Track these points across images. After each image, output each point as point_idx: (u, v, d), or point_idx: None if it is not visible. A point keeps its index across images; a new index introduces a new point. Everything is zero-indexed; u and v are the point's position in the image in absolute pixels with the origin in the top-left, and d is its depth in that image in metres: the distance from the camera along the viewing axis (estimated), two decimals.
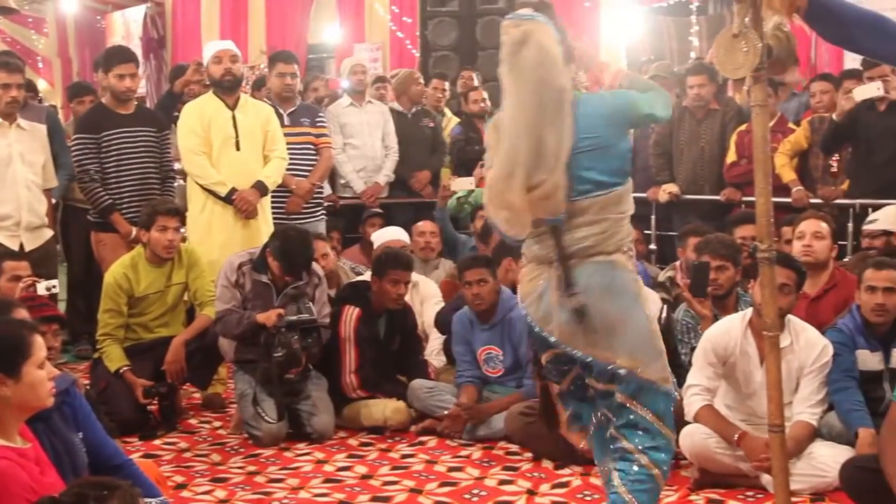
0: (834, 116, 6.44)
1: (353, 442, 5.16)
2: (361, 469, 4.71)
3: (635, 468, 3.21)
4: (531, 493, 4.37)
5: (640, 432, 3.21)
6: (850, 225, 6.23)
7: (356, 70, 8.09)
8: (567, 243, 3.23)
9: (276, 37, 10.70)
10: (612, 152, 3.25)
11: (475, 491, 4.37)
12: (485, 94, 8.35)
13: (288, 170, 6.38)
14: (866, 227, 5.73)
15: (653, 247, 7.47)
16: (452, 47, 10.18)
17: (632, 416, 3.22)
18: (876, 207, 6.02)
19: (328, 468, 4.73)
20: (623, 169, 3.32)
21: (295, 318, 5.16)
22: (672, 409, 3.29)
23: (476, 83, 8.87)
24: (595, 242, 3.23)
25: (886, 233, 5.66)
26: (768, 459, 3.30)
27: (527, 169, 3.09)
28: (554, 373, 3.43)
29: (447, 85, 8.75)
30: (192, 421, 5.56)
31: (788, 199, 6.51)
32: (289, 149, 6.36)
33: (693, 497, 4.27)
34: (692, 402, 4.50)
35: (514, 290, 5.95)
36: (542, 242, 3.29)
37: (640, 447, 3.21)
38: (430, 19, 10.31)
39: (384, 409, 5.33)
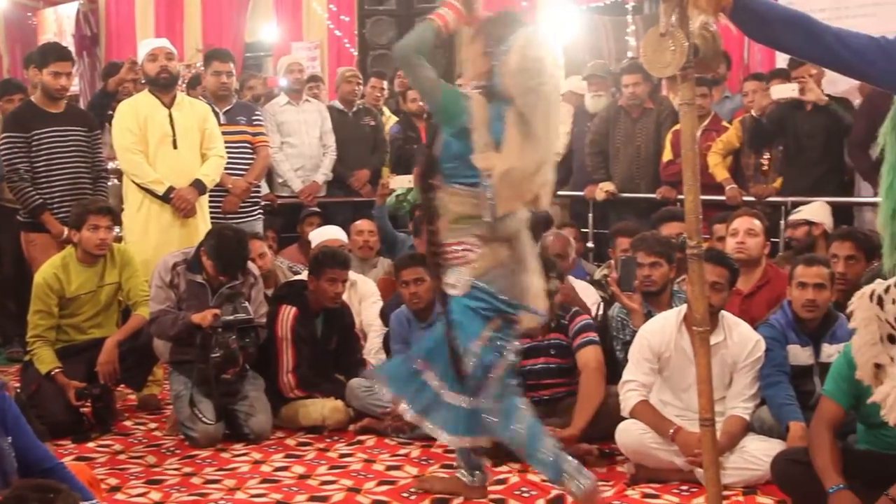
0: (754, 113, 6.56)
1: (290, 442, 5.13)
2: (299, 469, 4.68)
3: None
4: None
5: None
6: (783, 222, 6.34)
7: (293, 68, 8.06)
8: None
9: (213, 35, 10.59)
10: None
11: (413, 490, 4.37)
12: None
13: (224, 169, 6.33)
14: (790, 218, 5.86)
15: (590, 245, 7.53)
16: (390, 46, 10.15)
17: None
18: (808, 205, 6.13)
19: (265, 468, 4.70)
20: None
21: (231, 317, 5.12)
22: None
23: None
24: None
25: (808, 223, 5.78)
26: (701, 454, 3.33)
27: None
28: (498, 344, 3.80)
29: (385, 84, 8.74)
30: (127, 423, 5.49)
31: (722, 197, 6.61)
32: (225, 147, 6.31)
33: (629, 492, 4.30)
34: (628, 398, 4.55)
35: None
36: (502, 223, 3.73)
37: None
38: (367, 18, 10.31)
39: (322, 408, 5.31)
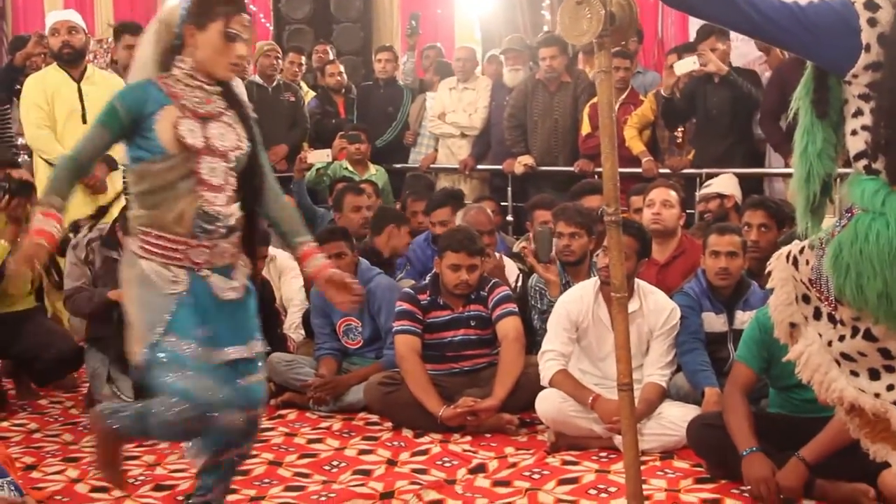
0: (663, 92, 6.66)
1: None
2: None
3: None
4: (391, 462, 4.39)
5: None
6: (697, 193, 6.44)
7: None
8: None
9: (124, 9, 10.40)
10: None
11: (335, 462, 4.36)
12: (341, 68, 8.33)
13: None
14: (701, 192, 5.96)
15: (509, 218, 7.57)
16: (307, 20, 10.10)
17: None
18: (720, 176, 6.24)
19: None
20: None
21: None
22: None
23: (331, 56, 8.84)
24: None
25: (720, 195, 5.90)
26: (620, 421, 3.38)
27: None
28: None
29: (303, 59, 8.66)
30: (43, 402, 5.38)
31: (638, 170, 6.69)
32: None
33: (549, 460, 4.35)
34: (547, 367, 4.59)
35: (398, 256, 6.02)
36: None
37: None
38: None
39: None
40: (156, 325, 3.07)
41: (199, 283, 3.16)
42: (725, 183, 6.04)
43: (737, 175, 6.35)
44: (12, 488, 3.21)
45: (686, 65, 6.40)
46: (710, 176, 6.35)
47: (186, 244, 3.14)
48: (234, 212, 3.23)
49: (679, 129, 6.83)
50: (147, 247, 3.13)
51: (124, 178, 6.08)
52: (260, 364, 3.30)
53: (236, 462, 3.38)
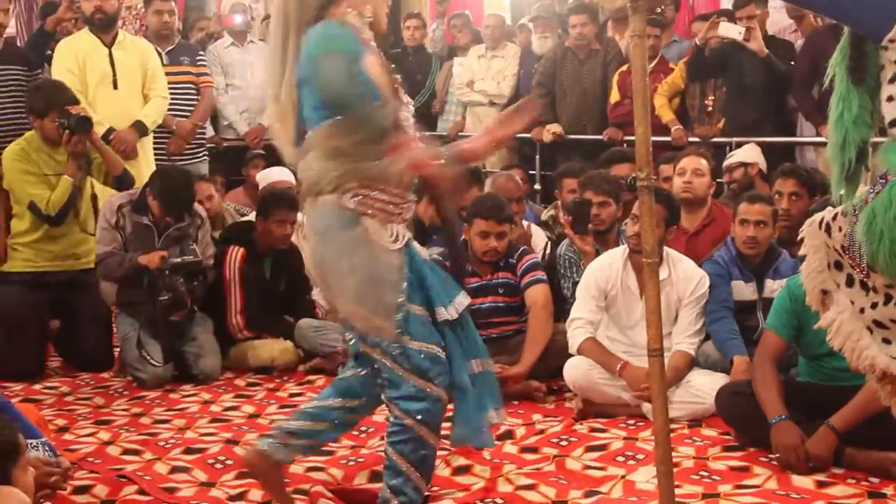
0: (697, 41, 6.55)
1: (240, 383, 5.14)
2: (249, 409, 4.69)
3: (390, 419, 3.10)
4: None
5: (387, 384, 3.06)
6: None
7: (236, 9, 7.93)
8: (301, 180, 3.10)
9: None
10: (313, 85, 2.95)
11: (364, 427, 4.35)
12: None
13: (168, 110, 6.25)
14: (725, 163, 5.91)
15: (537, 187, 7.56)
16: None
17: (377, 366, 3.09)
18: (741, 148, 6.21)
19: (215, 408, 4.70)
20: (327, 102, 2.91)
21: (179, 260, 5.08)
22: (429, 360, 3.03)
23: None
24: (316, 180, 3.00)
25: (743, 164, 5.87)
26: (648, 389, 3.38)
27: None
28: None
29: None
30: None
31: (668, 138, 6.64)
32: (169, 89, 6.22)
33: (577, 427, 4.35)
34: (576, 335, 4.60)
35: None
36: None
37: (387, 398, 3.09)
38: None
39: (271, 349, 5.32)
40: (397, 288, 2.97)
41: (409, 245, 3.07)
42: (748, 152, 6.01)
43: (768, 144, 6.31)
44: (47, 448, 3.25)
45: (731, 30, 6.32)
46: (740, 145, 6.31)
47: (404, 199, 3.03)
48: None
49: (709, 98, 6.76)
50: (369, 202, 2.95)
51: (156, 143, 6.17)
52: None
53: None
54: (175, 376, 5.12)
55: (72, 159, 5.27)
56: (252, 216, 5.78)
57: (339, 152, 2.94)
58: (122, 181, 5.48)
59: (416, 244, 3.16)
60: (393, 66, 3.15)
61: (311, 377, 5.18)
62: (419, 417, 3.04)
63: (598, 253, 5.05)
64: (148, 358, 5.00)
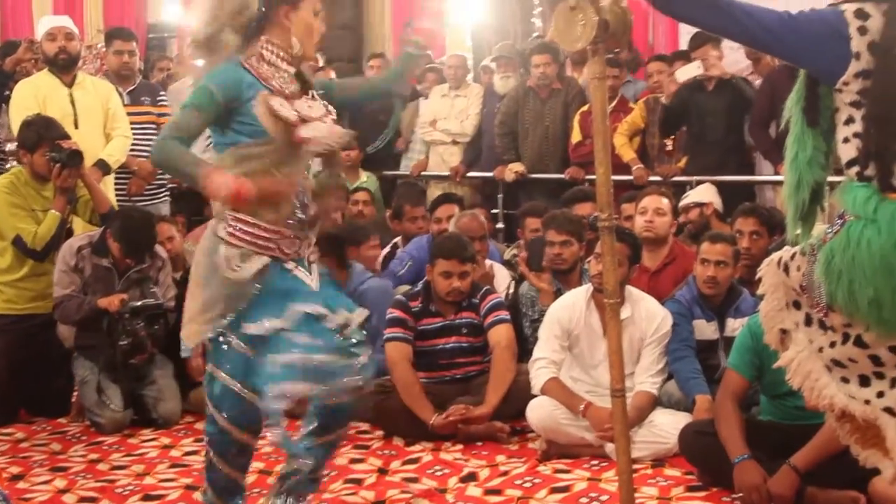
0: (663, 100, 6.65)
1: (200, 426, 5.04)
2: None
3: None
4: (382, 470, 4.38)
5: None
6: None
7: None
8: None
9: (114, 15, 10.34)
10: None
11: (325, 471, 4.32)
12: (332, 75, 8.31)
13: (129, 150, 6.20)
14: (681, 204, 5.95)
15: (500, 225, 7.56)
16: None
17: None
18: (715, 183, 6.25)
19: (175, 453, 4.64)
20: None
21: (139, 303, 5.03)
22: (223, 392, 3.20)
23: (321, 64, 8.87)
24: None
25: (698, 204, 5.91)
26: (612, 428, 3.38)
27: None
28: None
29: None
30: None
31: (629, 177, 6.68)
32: (130, 128, 6.18)
33: (541, 468, 4.34)
34: (539, 375, 4.59)
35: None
36: None
37: None
38: None
39: None
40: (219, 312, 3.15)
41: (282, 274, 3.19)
42: (703, 192, 6.05)
43: (727, 183, 6.36)
44: (0, 498, 3.19)
45: (689, 71, 6.39)
46: (700, 183, 6.36)
47: (280, 234, 3.17)
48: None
49: (670, 137, 6.83)
50: (238, 233, 3.14)
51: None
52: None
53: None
54: (134, 420, 5.05)
55: (60, 194, 5.23)
56: None
57: None
58: (107, 219, 5.42)
59: (302, 274, 3.24)
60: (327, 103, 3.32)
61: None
62: (207, 439, 3.31)
63: (559, 292, 5.06)
64: (107, 402, 4.94)
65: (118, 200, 6.04)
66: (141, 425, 5.03)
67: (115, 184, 6.14)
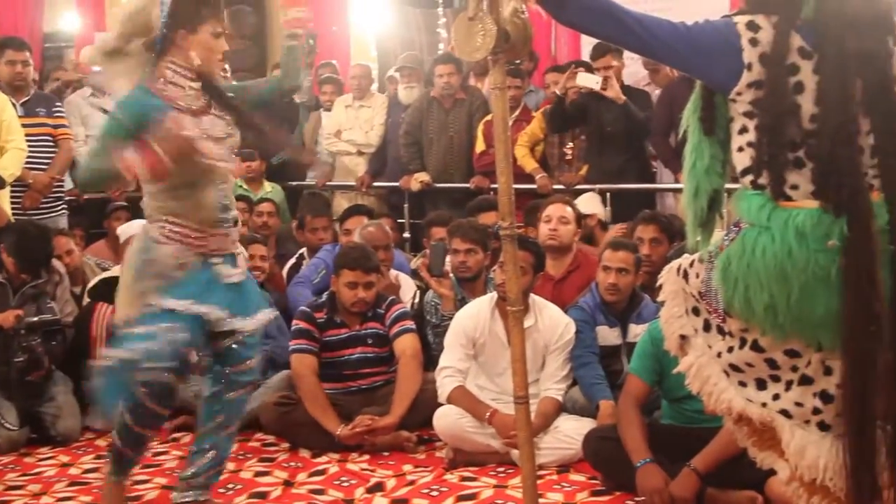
0: (557, 91, 6.68)
1: (101, 443, 4.95)
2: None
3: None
4: (288, 483, 4.34)
5: None
6: None
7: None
8: None
9: (8, 24, 10.08)
10: None
11: (230, 485, 4.29)
12: None
13: (24, 163, 6.05)
14: None
15: (406, 235, 7.56)
16: None
17: None
18: (613, 192, 6.34)
19: (74, 471, 4.53)
20: None
21: (36, 319, 4.92)
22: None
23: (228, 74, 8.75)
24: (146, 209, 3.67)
25: (583, 215, 5.98)
26: (517, 435, 3.40)
27: None
28: None
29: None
30: None
31: (532, 186, 6.73)
32: (25, 140, 6.03)
33: (447, 476, 4.35)
34: (445, 384, 4.60)
35: None
36: None
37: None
38: None
39: None
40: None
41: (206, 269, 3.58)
42: (586, 202, 6.13)
43: (628, 191, 6.46)
44: None
45: (588, 80, 6.45)
46: (604, 192, 6.45)
47: (206, 233, 3.56)
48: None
49: (568, 146, 6.88)
50: (168, 232, 3.53)
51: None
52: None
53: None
54: (31, 439, 4.91)
55: None
56: (116, 270, 5.61)
57: (150, 189, 3.56)
58: (2, 233, 5.25)
59: (224, 269, 3.64)
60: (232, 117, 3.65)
61: (176, 435, 5.03)
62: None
63: (464, 300, 5.08)
64: (2, 421, 4.80)
65: (14, 214, 5.89)
66: (39, 444, 4.90)
67: (11, 197, 5.98)
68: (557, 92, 6.63)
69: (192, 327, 3.52)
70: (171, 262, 3.51)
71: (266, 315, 3.84)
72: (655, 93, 6.89)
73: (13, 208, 5.97)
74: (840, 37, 2.40)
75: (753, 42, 2.44)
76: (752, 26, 2.45)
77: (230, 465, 4.51)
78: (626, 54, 6.81)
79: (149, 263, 3.53)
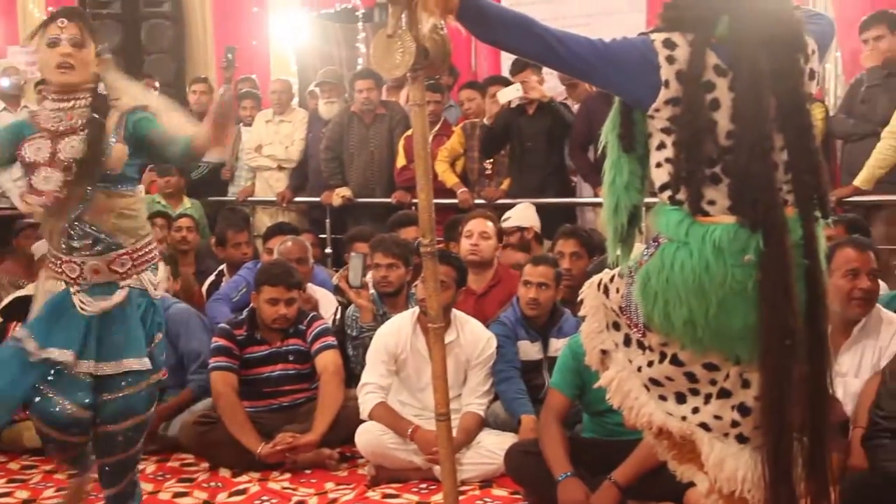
0: (486, 121, 6.75)
1: (13, 466, 4.83)
2: (23, 494, 4.41)
3: None
4: (208, 503, 4.27)
5: None
6: None
7: (8, 72, 7.63)
8: None
9: None
10: None
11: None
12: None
13: None
14: (503, 226, 6.05)
15: (328, 250, 7.52)
16: (117, 50, 9.83)
17: None
18: (537, 205, 6.37)
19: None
20: None
21: None
22: None
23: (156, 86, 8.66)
24: None
25: (520, 228, 6.03)
26: (439, 451, 3.40)
27: None
28: None
29: None
30: None
31: (454, 201, 6.75)
32: None
33: (370, 493, 4.32)
34: (367, 401, 4.58)
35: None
36: None
37: None
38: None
39: None
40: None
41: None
42: (523, 214, 6.16)
43: (549, 205, 6.50)
44: None
45: (509, 92, 6.50)
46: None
47: (59, 258, 3.44)
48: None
49: (488, 161, 6.91)
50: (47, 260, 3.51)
51: None
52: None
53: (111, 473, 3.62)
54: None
55: None
56: (30, 289, 5.47)
57: None
58: None
59: (82, 298, 3.42)
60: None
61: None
62: None
63: (385, 315, 5.07)
64: None
65: None
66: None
67: None
68: (486, 122, 6.68)
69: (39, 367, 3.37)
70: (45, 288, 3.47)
71: (137, 364, 3.47)
72: (574, 107, 6.95)
73: None
74: (754, 55, 2.45)
75: (670, 59, 2.47)
76: (668, 44, 2.48)
77: (148, 487, 4.44)
78: (545, 69, 6.87)
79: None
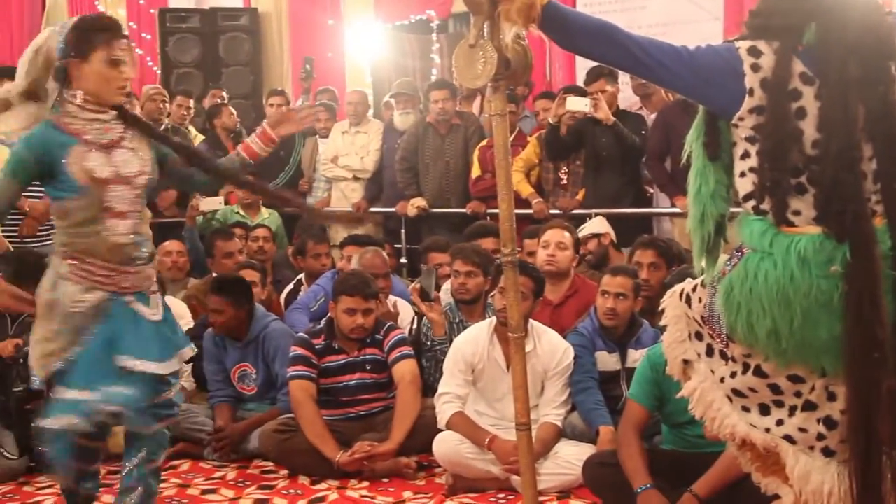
0: (550, 120, 6.68)
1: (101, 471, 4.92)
2: (108, 498, 4.49)
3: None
4: None
5: None
6: None
7: None
8: None
9: (2, 47, 10.16)
10: None
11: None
12: (232, 111, 8.25)
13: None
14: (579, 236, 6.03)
15: (403, 260, 7.57)
16: (195, 64, 10.05)
17: None
18: (610, 216, 6.34)
19: None
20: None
21: None
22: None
23: (226, 99, 8.80)
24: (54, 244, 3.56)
25: (595, 235, 6.01)
26: (517, 461, 3.40)
27: None
28: None
29: (192, 102, 8.56)
30: None
31: (530, 211, 6.74)
32: None
33: (447, 503, 4.33)
34: (444, 410, 4.59)
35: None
36: None
37: None
38: (170, 35, 10.13)
39: None
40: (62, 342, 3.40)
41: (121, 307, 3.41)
42: (597, 223, 6.15)
43: (625, 215, 6.47)
44: None
45: (578, 103, 6.46)
46: (600, 216, 6.45)
47: (116, 270, 3.39)
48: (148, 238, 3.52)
49: (563, 171, 6.88)
50: (78, 270, 3.38)
51: None
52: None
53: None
54: (30, 468, 4.87)
55: None
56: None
57: (59, 225, 3.46)
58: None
59: (140, 306, 3.49)
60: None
61: (174, 462, 5.00)
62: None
63: (462, 323, 5.09)
64: (1, 450, 4.77)
65: (10, 242, 5.87)
66: (37, 472, 4.86)
67: (6, 225, 5.95)
68: (550, 120, 6.65)
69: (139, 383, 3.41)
70: (71, 302, 3.38)
71: (186, 352, 3.71)
72: (651, 117, 6.89)
73: (9, 236, 5.95)
74: (842, 63, 2.41)
75: (755, 67, 2.45)
76: (753, 52, 2.46)
77: (229, 493, 4.51)
78: (621, 79, 6.84)
79: (53, 303, 3.42)
